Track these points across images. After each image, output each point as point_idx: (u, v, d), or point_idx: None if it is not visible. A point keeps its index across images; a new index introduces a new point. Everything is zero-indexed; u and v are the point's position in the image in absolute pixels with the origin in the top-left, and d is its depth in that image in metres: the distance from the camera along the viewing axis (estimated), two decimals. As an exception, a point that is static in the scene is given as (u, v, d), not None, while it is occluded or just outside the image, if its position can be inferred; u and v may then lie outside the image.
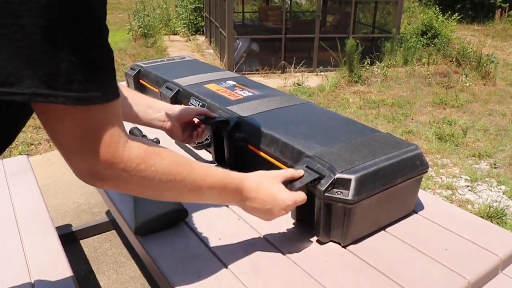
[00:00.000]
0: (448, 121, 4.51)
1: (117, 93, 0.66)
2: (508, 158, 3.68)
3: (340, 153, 1.08)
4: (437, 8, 8.40)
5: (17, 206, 1.79)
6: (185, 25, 9.02)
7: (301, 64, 6.43)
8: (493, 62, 6.28)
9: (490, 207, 2.86)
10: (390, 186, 1.05)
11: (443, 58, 6.80)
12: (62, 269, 1.41)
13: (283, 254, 1.03)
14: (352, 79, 5.84)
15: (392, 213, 1.13)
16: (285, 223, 1.14)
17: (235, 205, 0.97)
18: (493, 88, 5.83)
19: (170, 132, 1.24)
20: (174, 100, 1.64)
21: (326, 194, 0.99)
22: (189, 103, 1.55)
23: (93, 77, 0.61)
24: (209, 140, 1.41)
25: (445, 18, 7.91)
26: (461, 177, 3.35)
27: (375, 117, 4.62)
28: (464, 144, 3.96)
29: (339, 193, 0.99)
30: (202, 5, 8.89)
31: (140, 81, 1.93)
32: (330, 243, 1.07)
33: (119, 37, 8.49)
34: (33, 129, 3.84)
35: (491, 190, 3.19)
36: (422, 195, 1.26)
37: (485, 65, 6.24)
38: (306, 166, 1.05)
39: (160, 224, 1.11)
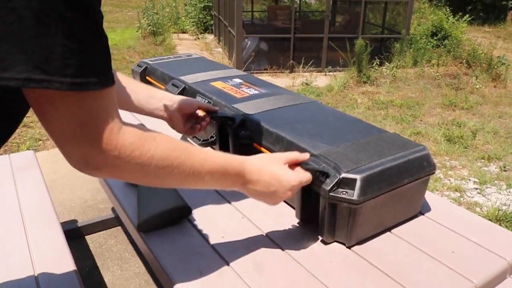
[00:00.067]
0: (458, 123, 4.47)
1: (112, 80, 0.64)
2: (518, 161, 3.64)
3: (346, 152, 1.07)
4: (448, 9, 8.34)
5: (22, 201, 1.79)
6: (194, 23, 9.02)
7: (309, 64, 6.40)
8: (504, 64, 6.22)
9: (499, 210, 2.82)
10: (396, 186, 1.04)
11: (453, 60, 6.75)
12: (65, 264, 1.41)
13: (287, 253, 1.02)
14: (360, 79, 5.81)
15: (398, 214, 1.12)
16: (289, 222, 1.13)
17: (238, 190, 0.93)
18: (503, 90, 5.77)
19: (171, 123, 1.22)
20: (180, 97, 1.63)
21: (331, 193, 0.98)
22: (195, 100, 1.54)
23: (88, 62, 0.60)
24: (215, 137, 1.40)
25: (456, 20, 7.84)
26: (469, 180, 3.32)
27: (383, 117, 4.59)
28: (473, 146, 3.92)
29: (344, 193, 0.98)
30: (211, 4, 8.89)
31: (147, 78, 1.92)
32: (335, 244, 1.05)
33: (128, 35, 8.51)
34: (41, 125, 3.85)
35: (500, 193, 3.15)
36: (429, 196, 1.24)
37: (495, 67, 6.18)
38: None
39: (163, 221, 1.10)
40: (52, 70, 0.56)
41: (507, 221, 2.73)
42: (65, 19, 0.56)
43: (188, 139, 1.48)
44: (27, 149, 3.44)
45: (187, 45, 7.88)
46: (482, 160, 3.66)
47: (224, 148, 1.36)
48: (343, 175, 0.99)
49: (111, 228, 2.52)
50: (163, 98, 1.20)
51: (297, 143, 1.13)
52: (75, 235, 2.43)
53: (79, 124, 0.63)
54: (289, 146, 1.15)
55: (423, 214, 1.18)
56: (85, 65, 0.59)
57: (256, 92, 1.52)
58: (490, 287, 0.98)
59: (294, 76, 6.17)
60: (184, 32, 8.95)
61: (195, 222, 1.13)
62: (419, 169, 1.08)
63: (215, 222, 1.13)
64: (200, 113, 1.26)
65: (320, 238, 1.06)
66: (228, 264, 0.98)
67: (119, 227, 2.52)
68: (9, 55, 0.54)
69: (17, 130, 3.97)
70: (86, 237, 2.45)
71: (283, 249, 1.03)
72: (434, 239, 1.08)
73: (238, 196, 1.24)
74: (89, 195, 2.86)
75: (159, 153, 0.73)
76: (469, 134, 4.12)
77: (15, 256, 1.45)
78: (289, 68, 6.46)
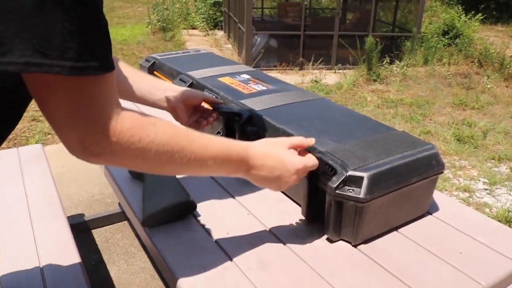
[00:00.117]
0: (468, 122, 4.43)
1: (112, 65, 0.63)
2: (529, 162, 3.59)
3: (353, 150, 1.06)
4: (460, 8, 8.26)
5: (29, 194, 1.80)
6: (204, 19, 9.02)
7: (319, 61, 6.37)
8: (517, 64, 6.15)
9: (508, 211, 2.79)
10: (404, 185, 1.02)
11: (464, 59, 6.68)
12: (71, 256, 1.42)
13: (292, 251, 1.01)
14: (370, 77, 5.77)
15: (405, 213, 1.10)
16: (295, 219, 1.12)
17: (242, 176, 0.90)
18: (515, 90, 5.71)
19: (174, 114, 1.19)
20: (188, 92, 1.62)
21: (337, 191, 0.97)
22: (202, 96, 1.53)
23: (89, 46, 0.59)
24: (221, 133, 1.39)
25: (468, 18, 7.76)
26: (479, 180, 3.28)
27: (392, 116, 4.56)
28: (484, 147, 3.88)
29: (350, 190, 0.97)
30: (221, 0, 8.88)
31: (155, 73, 1.92)
32: (340, 242, 1.04)
33: (138, 30, 8.53)
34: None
35: (510, 194, 3.11)
36: (437, 196, 1.22)
37: (508, 66, 6.11)
38: (318, 162, 1.03)
39: (168, 216, 1.10)
40: (52, 54, 0.55)
41: (517, 223, 2.70)
42: (64, 2, 0.55)
43: None
44: (36, 142, 3.46)
45: (197, 41, 7.88)
46: (492, 161, 3.62)
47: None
48: (350, 172, 0.97)
49: (117, 222, 2.52)
50: (168, 89, 1.19)
51: (304, 140, 1.11)
52: (82, 229, 2.44)
53: (78, 110, 0.61)
54: (295, 142, 1.13)
55: (431, 214, 1.16)
56: (86, 49, 0.58)
57: (264, 88, 1.51)
58: (498, 289, 0.96)
59: (303, 73, 6.14)
60: (194, 28, 8.95)
61: (200, 218, 1.13)
62: (428, 168, 1.06)
63: (220, 218, 1.13)
64: (206, 106, 1.25)
65: (326, 236, 1.05)
66: (232, 261, 0.97)
67: (126, 222, 2.53)
68: (8, 39, 0.53)
69: (27, 124, 4.00)
70: (92, 231, 2.46)
71: (288, 247, 1.02)
72: (442, 239, 1.06)
73: (243, 192, 1.23)
74: (97, 190, 2.87)
75: (159, 138, 0.71)
76: (480, 134, 4.07)
77: (21, 248, 1.46)
78: (298, 65, 6.44)
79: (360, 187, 0.96)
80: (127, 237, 2.42)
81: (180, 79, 1.68)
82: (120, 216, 2.53)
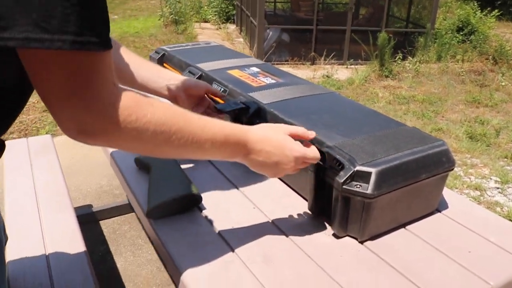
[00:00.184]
0: (481, 120, 4.36)
1: (110, 43, 0.62)
2: (542, 162, 3.53)
3: (362, 145, 1.04)
4: (476, 4, 8.12)
5: (38, 184, 1.81)
6: (216, 13, 9.00)
7: (331, 56, 6.32)
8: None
9: (520, 211, 2.75)
10: (413, 182, 1.00)
11: (478, 56, 6.58)
12: (76, 246, 1.42)
13: (297, 246, 0.99)
14: (382, 73, 5.72)
15: (413, 210, 1.08)
16: (301, 214, 1.11)
17: (239, 161, 0.89)
18: (531, 88, 5.62)
19: (175, 103, 1.18)
20: (196, 85, 1.61)
21: (344, 186, 0.95)
22: (211, 88, 1.52)
23: (89, 22, 0.57)
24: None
25: (484, 14, 7.64)
26: (491, 178, 3.23)
27: (404, 112, 4.51)
28: (496, 145, 3.82)
29: (358, 186, 0.95)
30: (234, -6, 8.85)
31: (164, 64, 1.91)
32: (347, 238, 1.03)
33: (151, 23, 8.54)
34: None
35: (522, 193, 3.07)
36: (447, 194, 1.20)
37: (524, 64, 6.02)
38: (325, 157, 1.01)
39: (173, 208, 1.09)
40: (53, 29, 0.54)
41: (528, 223, 2.65)
42: None
43: None
44: (46, 133, 3.48)
45: (209, 34, 7.87)
46: (505, 159, 3.56)
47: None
48: (358, 167, 0.95)
49: (125, 214, 2.53)
50: (171, 78, 1.18)
51: (312, 134, 1.10)
52: (89, 220, 2.45)
53: (74, 87, 0.60)
54: (303, 136, 1.12)
55: (440, 212, 1.14)
56: (86, 25, 0.57)
57: (273, 81, 1.49)
58: (508, 289, 0.94)
59: (315, 68, 6.10)
60: (206, 22, 8.93)
61: (205, 211, 1.12)
62: (438, 164, 1.04)
63: (225, 211, 1.12)
64: (215, 98, 1.24)
65: (332, 231, 1.04)
66: (236, 254, 0.96)
67: (133, 214, 2.53)
68: (8, 14, 0.52)
69: (38, 115, 4.02)
70: (100, 222, 2.47)
71: (293, 241, 1.01)
72: (450, 237, 1.04)
73: (250, 185, 1.22)
74: (105, 181, 2.88)
75: (157, 118, 0.70)
76: (493, 132, 4.02)
77: (27, 237, 1.47)
78: (310, 60, 6.39)
79: (368, 182, 0.94)
80: (135, 229, 2.42)
81: (189, 71, 1.67)
82: (127, 208, 2.54)
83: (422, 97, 5.00)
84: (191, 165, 1.31)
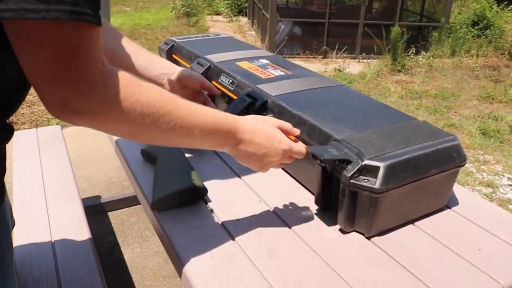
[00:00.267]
0: (495, 116, 4.29)
1: (101, 21, 0.61)
2: (557, 159, 3.47)
3: (370, 138, 1.01)
4: (492, -2, 7.98)
5: (46, 174, 1.81)
6: (228, 5, 8.96)
7: (343, 50, 6.27)
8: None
9: (533, 209, 2.70)
10: (422, 177, 0.98)
11: (494, 51, 6.48)
12: (82, 234, 1.44)
13: (302, 240, 0.98)
14: (395, 67, 5.65)
15: (423, 206, 1.06)
16: (307, 209, 1.09)
17: (227, 151, 0.88)
18: (547, 84, 5.52)
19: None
20: (205, 76, 1.59)
21: (351, 180, 0.93)
22: (219, 80, 1.51)
23: None
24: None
25: (500, 9, 7.51)
26: (503, 175, 3.18)
27: (416, 107, 4.46)
28: (510, 142, 3.76)
29: (366, 180, 0.93)
30: (246, -14, 8.80)
31: (173, 56, 1.90)
32: (354, 233, 1.01)
33: (162, 15, 8.54)
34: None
35: (535, 191, 3.02)
36: (458, 190, 1.17)
37: (540, 59, 5.91)
38: (333, 150, 0.99)
39: (178, 201, 1.08)
40: None
41: (541, 221, 2.60)
42: None
43: None
44: (57, 124, 3.49)
45: (221, 27, 7.84)
46: (519, 156, 3.51)
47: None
48: (366, 162, 0.93)
49: (133, 206, 2.53)
50: (163, 67, 1.17)
51: (320, 126, 1.08)
52: (98, 211, 2.46)
53: (62, 61, 0.58)
54: (312, 129, 1.10)
55: (450, 208, 1.11)
56: None
57: (282, 73, 1.47)
58: (519, 289, 0.91)
59: (327, 62, 6.06)
60: (218, 14, 8.91)
61: (211, 204, 1.10)
62: (448, 160, 1.02)
63: (231, 204, 1.10)
64: (203, 93, 1.23)
65: (339, 226, 1.02)
66: (241, 248, 0.95)
67: (141, 205, 2.53)
68: None
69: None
70: (108, 213, 2.47)
71: (298, 236, 0.99)
72: (460, 234, 1.01)
73: (256, 179, 1.21)
74: (114, 172, 2.88)
75: (145, 98, 0.68)
76: (506, 129, 3.95)
77: (34, 225, 1.48)
78: (322, 54, 6.35)
79: (376, 177, 0.92)
80: (142, 221, 2.42)
81: (198, 63, 1.65)
82: (136, 199, 2.54)
83: (435, 92, 4.93)
84: (197, 156, 1.29)
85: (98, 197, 2.60)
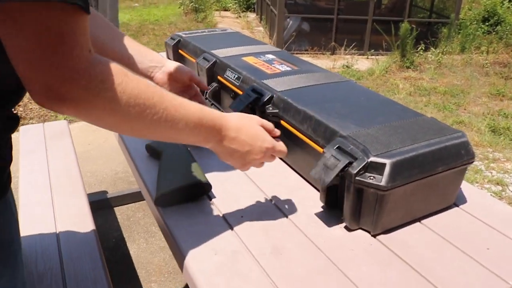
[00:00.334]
0: (505, 113, 4.24)
1: (89, 10, 0.60)
2: None
3: (376, 135, 1.00)
4: (503, -6, 7.89)
5: (52, 168, 1.82)
6: (236, 1, 8.94)
7: (351, 46, 6.23)
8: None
9: (542, 207, 2.66)
10: (429, 174, 0.96)
11: (505, 47, 6.40)
12: (86, 226, 1.44)
13: (307, 238, 0.96)
14: (404, 64, 5.60)
15: (430, 204, 1.04)
16: (313, 206, 1.07)
17: (211, 148, 0.88)
18: (558, 81, 5.45)
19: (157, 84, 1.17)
20: (210, 71, 1.59)
21: (357, 178, 0.92)
22: (225, 75, 1.49)
23: None
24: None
25: None
26: (513, 174, 3.15)
27: (425, 104, 4.42)
28: (520, 139, 3.72)
29: (371, 177, 0.91)
30: (254, -18, 8.77)
31: (179, 51, 1.89)
32: (359, 231, 0.99)
33: (171, 11, 8.53)
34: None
35: (545, 189, 2.98)
36: (466, 188, 1.16)
37: (551, 56, 5.83)
38: (338, 147, 0.98)
39: (182, 196, 1.07)
40: None
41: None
42: None
43: None
44: (64, 119, 3.50)
45: (229, 23, 7.82)
46: (529, 154, 3.46)
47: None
48: (372, 158, 0.92)
49: (139, 201, 2.53)
50: (153, 59, 1.16)
51: (325, 122, 1.07)
52: (104, 206, 2.46)
53: (49, 45, 0.57)
54: (317, 125, 1.08)
55: (458, 206, 1.10)
56: None
57: (288, 68, 1.46)
58: (528, 289, 0.90)
59: (335, 58, 6.02)
60: (226, 10, 8.89)
61: (215, 200, 1.09)
62: (456, 157, 1.00)
63: (236, 201, 1.09)
64: (195, 87, 1.23)
65: (344, 224, 1.00)
66: (244, 245, 0.94)
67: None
68: None
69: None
70: (115, 208, 2.47)
71: (303, 233, 0.98)
72: (468, 233, 1.00)
73: (262, 175, 1.20)
74: (121, 167, 2.88)
75: (131, 88, 0.67)
76: (517, 126, 3.91)
77: (40, 221, 1.48)
78: (330, 50, 6.31)
79: (381, 174, 0.91)
80: (148, 216, 2.42)
81: (204, 58, 1.64)
82: (142, 195, 2.54)
83: (444, 89, 4.89)
84: (201, 152, 1.29)
85: (105, 192, 2.61)
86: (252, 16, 8.59)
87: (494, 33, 6.85)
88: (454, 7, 6.52)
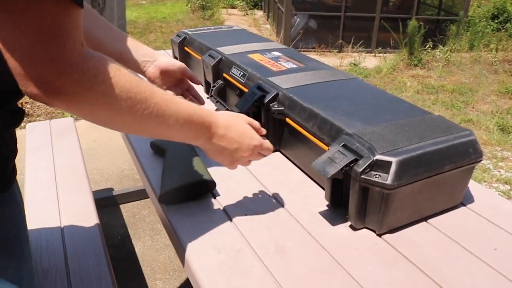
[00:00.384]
0: (514, 112, 4.21)
1: (83, 4, 0.60)
2: None
3: (383, 133, 0.99)
4: (513, -9, 7.80)
5: (58, 165, 1.82)
6: (243, -2, 8.93)
7: (359, 44, 6.19)
8: None
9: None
10: (436, 173, 0.95)
11: (514, 45, 6.34)
12: (91, 222, 1.45)
13: (312, 237, 0.96)
14: (411, 62, 5.56)
15: (436, 203, 1.03)
16: (318, 204, 1.06)
17: (199, 145, 0.88)
18: None
19: (150, 81, 1.17)
20: (216, 69, 1.58)
21: (362, 176, 0.91)
22: (230, 72, 1.49)
23: None
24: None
25: (521, 2, 7.34)
26: (522, 173, 3.11)
27: (432, 102, 4.39)
28: (529, 138, 3.68)
29: (377, 176, 0.90)
30: (262, -21, 8.75)
31: (185, 48, 1.88)
32: (364, 230, 0.98)
33: (178, 9, 8.53)
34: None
35: (555, 189, 2.94)
36: (474, 187, 1.14)
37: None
38: (344, 145, 0.97)
39: (185, 194, 1.06)
40: None
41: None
42: None
43: None
44: (70, 116, 3.51)
45: (236, 20, 7.81)
46: (538, 153, 3.43)
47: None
48: (378, 157, 0.91)
49: (145, 198, 2.53)
50: (146, 54, 1.16)
51: (331, 120, 1.05)
52: (110, 203, 2.47)
53: (42, 37, 0.57)
54: (322, 123, 1.07)
55: (465, 206, 1.08)
56: None
57: (294, 66, 1.45)
58: (536, 290, 0.88)
59: (342, 56, 5.99)
60: (233, 7, 8.87)
61: (219, 197, 1.09)
62: (463, 155, 0.98)
63: (240, 199, 1.08)
64: (187, 81, 1.23)
65: (349, 223, 0.99)
66: (248, 244, 0.93)
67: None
68: None
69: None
70: (120, 206, 2.48)
71: (307, 232, 0.97)
72: (475, 233, 0.98)
73: (266, 173, 1.19)
74: (127, 165, 2.89)
75: (123, 83, 0.67)
76: (526, 125, 3.87)
77: (44, 213, 1.49)
78: (337, 48, 6.28)
79: (387, 172, 0.89)
80: (154, 214, 2.42)
81: (209, 55, 1.63)
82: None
83: (452, 87, 4.85)
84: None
85: (110, 189, 2.61)
86: (259, 13, 8.57)
87: (503, 30, 6.78)
88: (463, 4, 6.46)
